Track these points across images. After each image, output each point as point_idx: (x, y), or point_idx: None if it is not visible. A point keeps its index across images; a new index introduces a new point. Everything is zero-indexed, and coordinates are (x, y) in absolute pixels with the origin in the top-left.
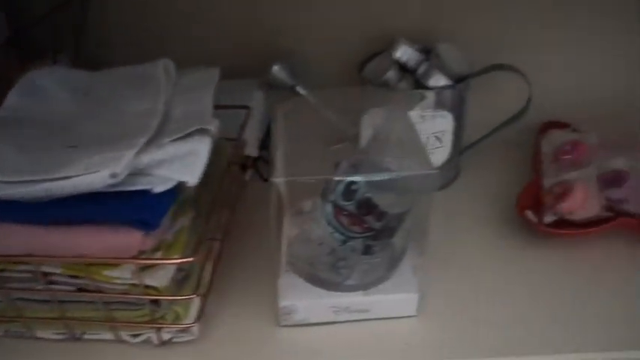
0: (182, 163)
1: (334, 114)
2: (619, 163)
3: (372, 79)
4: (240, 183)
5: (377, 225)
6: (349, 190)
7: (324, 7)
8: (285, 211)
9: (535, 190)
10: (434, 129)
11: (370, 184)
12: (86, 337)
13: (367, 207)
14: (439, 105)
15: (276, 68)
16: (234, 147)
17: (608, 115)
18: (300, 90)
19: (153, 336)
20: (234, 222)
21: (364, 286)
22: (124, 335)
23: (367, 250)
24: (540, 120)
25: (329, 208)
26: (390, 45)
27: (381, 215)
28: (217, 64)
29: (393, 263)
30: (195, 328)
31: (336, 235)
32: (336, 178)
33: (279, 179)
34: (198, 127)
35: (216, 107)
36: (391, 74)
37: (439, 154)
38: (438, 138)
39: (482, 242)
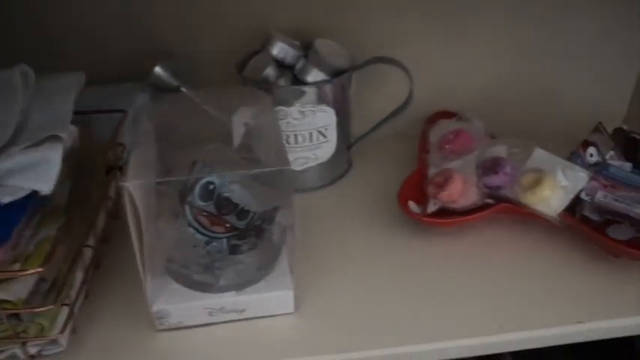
0: (33, 172)
1: (216, 111)
2: (499, 150)
3: (252, 77)
4: (119, 188)
5: (240, 224)
6: (206, 191)
7: (206, 5)
8: (141, 214)
9: (419, 179)
10: (316, 124)
11: (228, 183)
12: None
13: (227, 206)
14: (320, 100)
15: (157, 69)
16: (110, 151)
17: (495, 103)
18: (185, 90)
19: (18, 351)
20: (114, 227)
21: (237, 286)
22: None
23: (234, 250)
24: (433, 110)
25: (188, 209)
26: (267, 42)
27: (243, 214)
28: (99, 68)
29: (268, 261)
30: (63, 339)
31: (198, 236)
32: (192, 179)
33: (127, 183)
34: (50, 134)
35: (92, 112)
36: (270, 71)
37: (325, 148)
38: (321, 133)
39: (367, 235)
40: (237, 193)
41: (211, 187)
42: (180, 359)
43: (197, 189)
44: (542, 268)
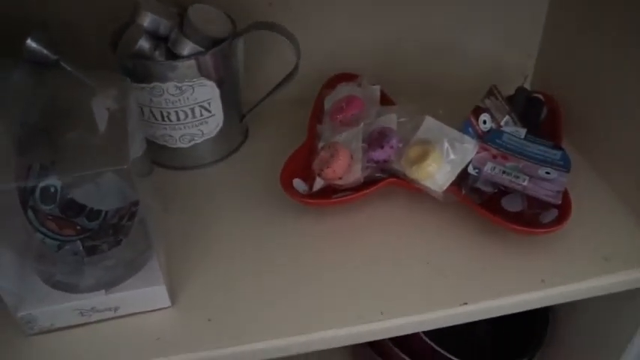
0: None
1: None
2: (389, 119)
3: (126, 50)
4: None
5: (91, 225)
6: (48, 194)
7: None
8: None
9: (307, 153)
10: (197, 99)
11: (70, 185)
12: None
13: (74, 208)
14: (199, 73)
15: (29, 42)
16: None
17: (396, 61)
18: (64, 65)
19: None
20: None
21: (105, 285)
22: None
23: (92, 251)
24: (333, 70)
25: (31, 214)
26: (135, 13)
27: (93, 214)
28: None
29: (138, 256)
30: None
31: (48, 240)
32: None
33: None
34: None
35: None
36: (143, 44)
37: (211, 123)
38: (204, 107)
39: (256, 217)
40: (85, 191)
41: (52, 189)
42: None
43: (37, 193)
44: (429, 247)
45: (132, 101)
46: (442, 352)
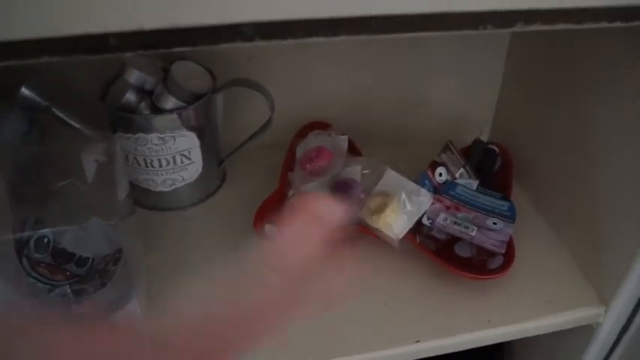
0: None
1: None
2: (353, 171)
3: (114, 103)
4: None
5: (80, 271)
6: (42, 244)
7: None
8: None
9: (279, 200)
10: (178, 148)
11: (65, 232)
12: None
13: (64, 257)
14: (181, 125)
15: (24, 90)
16: None
17: (365, 113)
18: (56, 111)
19: None
20: None
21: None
22: None
23: (79, 294)
24: (306, 119)
25: (25, 262)
26: (123, 70)
27: (81, 262)
28: None
29: (120, 297)
30: None
31: (40, 285)
32: (25, 236)
33: None
34: None
35: None
36: (130, 97)
37: (191, 169)
38: (185, 155)
39: (226, 258)
40: (75, 240)
41: (45, 240)
42: None
43: (32, 243)
44: (388, 289)
45: (118, 153)
46: None
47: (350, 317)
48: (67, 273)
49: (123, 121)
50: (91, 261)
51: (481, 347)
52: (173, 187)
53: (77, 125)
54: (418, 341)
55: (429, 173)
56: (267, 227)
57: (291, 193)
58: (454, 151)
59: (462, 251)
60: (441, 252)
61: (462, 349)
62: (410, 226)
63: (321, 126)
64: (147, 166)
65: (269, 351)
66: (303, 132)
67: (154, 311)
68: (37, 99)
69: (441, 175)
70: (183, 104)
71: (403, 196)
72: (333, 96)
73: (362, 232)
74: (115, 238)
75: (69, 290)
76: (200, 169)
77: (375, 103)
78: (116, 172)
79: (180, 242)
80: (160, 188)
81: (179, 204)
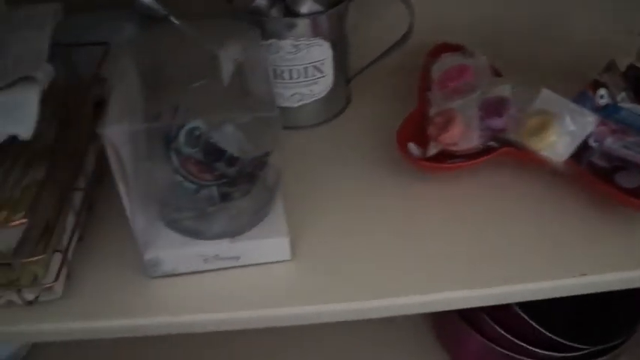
0: (10, 115)
1: (210, 45)
2: (503, 90)
3: (242, 7)
4: None
5: (230, 171)
6: (192, 137)
7: None
8: (124, 161)
9: (419, 119)
10: (311, 58)
11: (216, 129)
12: None
13: (215, 153)
14: (315, 33)
15: None
16: (97, 87)
17: (502, 37)
18: (173, 20)
19: (15, 297)
20: (107, 167)
21: (231, 233)
22: None
23: (225, 198)
24: (434, 41)
25: (174, 156)
26: None
27: (232, 161)
28: None
29: (262, 207)
30: (58, 287)
31: (187, 184)
32: (177, 124)
33: (106, 130)
34: (24, 74)
35: (74, 45)
36: (260, 1)
37: (321, 84)
38: (317, 68)
39: (364, 177)
40: (225, 137)
41: (197, 132)
42: (175, 306)
43: (182, 135)
44: (545, 217)
45: (263, 53)
46: (534, 324)
47: (503, 245)
48: (216, 173)
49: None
50: (241, 161)
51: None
52: (301, 102)
53: (194, 35)
54: (585, 274)
55: (590, 93)
56: (411, 146)
57: (433, 111)
58: (616, 71)
59: (625, 181)
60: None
61: (629, 286)
62: (573, 148)
63: (453, 48)
64: (276, 78)
65: (424, 270)
66: (435, 52)
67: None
68: (156, 7)
69: (602, 97)
70: (321, 9)
71: (567, 115)
72: (463, 18)
73: (515, 155)
74: (267, 139)
75: (216, 193)
76: (330, 85)
77: (511, 26)
78: (263, 67)
79: (310, 162)
80: (287, 103)
81: (305, 122)
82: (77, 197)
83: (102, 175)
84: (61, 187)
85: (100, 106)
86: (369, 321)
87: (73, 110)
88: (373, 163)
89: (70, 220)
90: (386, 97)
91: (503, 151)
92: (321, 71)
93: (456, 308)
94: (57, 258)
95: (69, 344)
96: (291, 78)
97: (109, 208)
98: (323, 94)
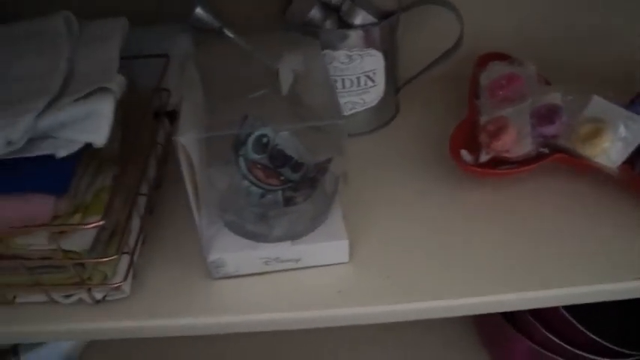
0: (86, 124)
1: (263, 56)
2: (554, 97)
3: (296, 20)
4: (168, 135)
5: (294, 177)
6: (260, 144)
7: None
8: (195, 167)
9: (470, 127)
10: (364, 68)
11: (281, 136)
12: (18, 300)
13: (281, 159)
14: (368, 43)
15: (199, 10)
16: (157, 98)
17: (548, 45)
18: (227, 32)
19: (85, 296)
20: (165, 175)
21: (292, 236)
22: (56, 297)
23: (289, 202)
24: (480, 50)
25: (242, 162)
26: None
27: (297, 167)
28: (139, 11)
29: (321, 211)
30: (126, 286)
31: (253, 189)
32: (245, 132)
33: (181, 137)
34: (99, 85)
35: (135, 57)
36: (315, 13)
37: (373, 93)
38: (369, 77)
39: (418, 184)
40: (290, 145)
41: (265, 140)
42: (237, 306)
43: (250, 142)
44: (598, 221)
45: (322, 63)
46: (582, 328)
47: (553, 249)
48: (282, 178)
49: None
50: (305, 167)
51: None
52: (353, 110)
53: (248, 47)
54: (638, 278)
55: None
56: (463, 152)
57: (484, 119)
58: None
59: None
60: None
61: None
62: (627, 154)
63: (499, 57)
64: None
65: (476, 272)
66: (482, 62)
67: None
68: (211, 19)
69: None
70: (375, 20)
71: (620, 121)
72: (512, 24)
73: (567, 162)
74: (325, 145)
75: (280, 197)
76: (382, 94)
77: (554, 34)
78: (325, 77)
79: (359, 169)
80: None
81: (356, 130)
82: (141, 201)
83: (160, 181)
84: (128, 192)
85: (158, 117)
86: (413, 323)
87: (135, 120)
88: (423, 170)
89: (136, 223)
90: (433, 106)
91: (556, 157)
92: (373, 80)
93: (508, 310)
94: (124, 260)
95: (123, 344)
96: (343, 87)
97: (168, 213)
98: (374, 103)
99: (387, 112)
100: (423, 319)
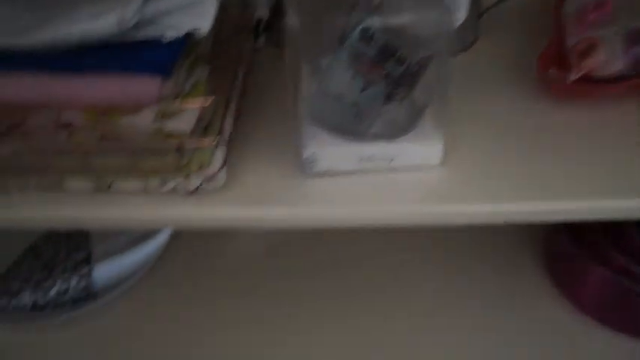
0: (192, 10)
1: None
2: None
3: None
4: (252, 48)
5: (397, 71)
6: (366, 35)
7: None
8: (301, 60)
9: (557, 49)
10: None
11: (388, 29)
12: (115, 187)
13: (386, 52)
14: None
15: None
16: (242, 8)
17: None
18: None
19: (180, 185)
20: (249, 85)
21: (388, 135)
22: (152, 184)
23: (389, 98)
24: None
25: (346, 53)
26: None
27: (400, 60)
28: None
29: (416, 113)
30: (222, 175)
31: (356, 80)
32: (352, 22)
33: (290, 21)
34: None
35: None
36: None
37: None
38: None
39: (502, 101)
40: (395, 38)
41: (371, 31)
42: (330, 199)
43: (356, 33)
44: None
45: None
46: None
47: None
48: (384, 71)
49: None
50: (408, 61)
51: None
52: None
53: None
54: None
55: None
56: (552, 72)
57: (572, 40)
58: None
59: None
60: None
61: None
62: None
63: None
64: None
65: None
66: None
67: None
68: None
69: None
70: None
71: None
72: None
73: None
74: (434, 40)
75: (382, 91)
76: (463, 17)
77: None
78: None
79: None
80: None
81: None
82: (234, 99)
83: (246, 89)
84: (221, 91)
85: (245, 28)
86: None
87: (224, 27)
88: (510, 88)
89: (229, 120)
90: (512, 33)
91: None
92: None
93: (605, 218)
94: (220, 150)
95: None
96: None
97: (255, 118)
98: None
99: (467, 36)
100: (490, 249)
